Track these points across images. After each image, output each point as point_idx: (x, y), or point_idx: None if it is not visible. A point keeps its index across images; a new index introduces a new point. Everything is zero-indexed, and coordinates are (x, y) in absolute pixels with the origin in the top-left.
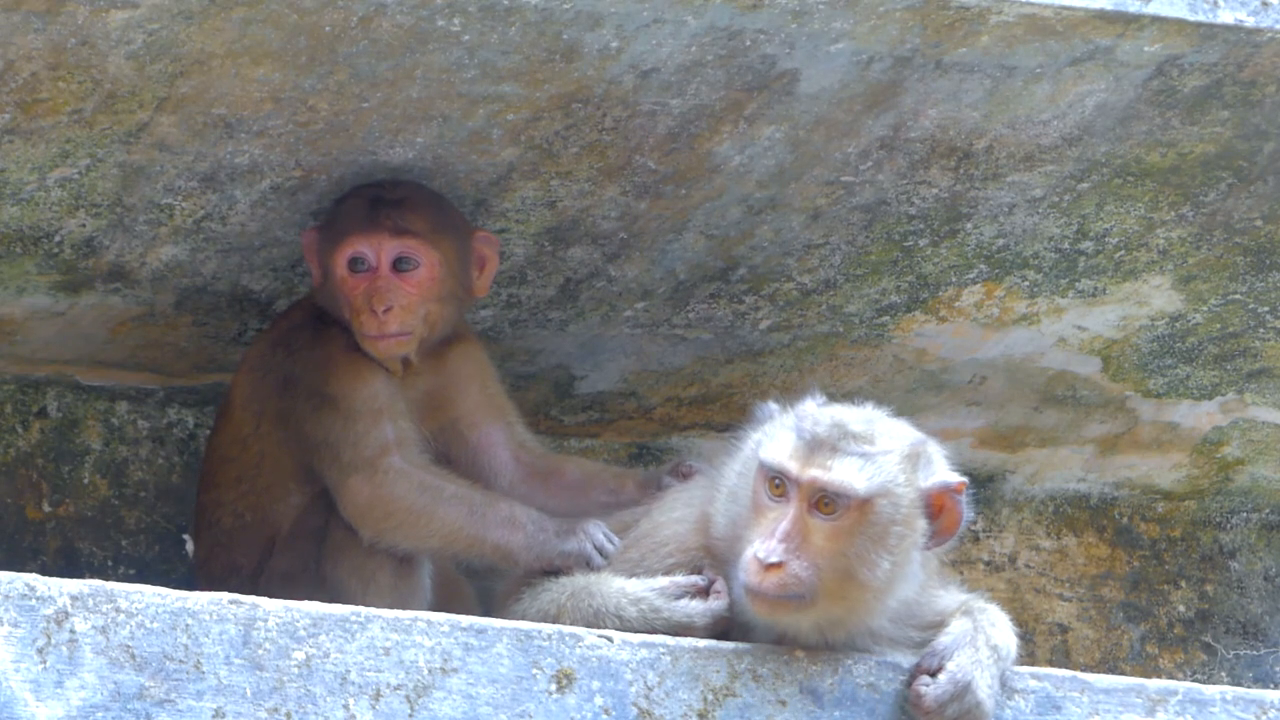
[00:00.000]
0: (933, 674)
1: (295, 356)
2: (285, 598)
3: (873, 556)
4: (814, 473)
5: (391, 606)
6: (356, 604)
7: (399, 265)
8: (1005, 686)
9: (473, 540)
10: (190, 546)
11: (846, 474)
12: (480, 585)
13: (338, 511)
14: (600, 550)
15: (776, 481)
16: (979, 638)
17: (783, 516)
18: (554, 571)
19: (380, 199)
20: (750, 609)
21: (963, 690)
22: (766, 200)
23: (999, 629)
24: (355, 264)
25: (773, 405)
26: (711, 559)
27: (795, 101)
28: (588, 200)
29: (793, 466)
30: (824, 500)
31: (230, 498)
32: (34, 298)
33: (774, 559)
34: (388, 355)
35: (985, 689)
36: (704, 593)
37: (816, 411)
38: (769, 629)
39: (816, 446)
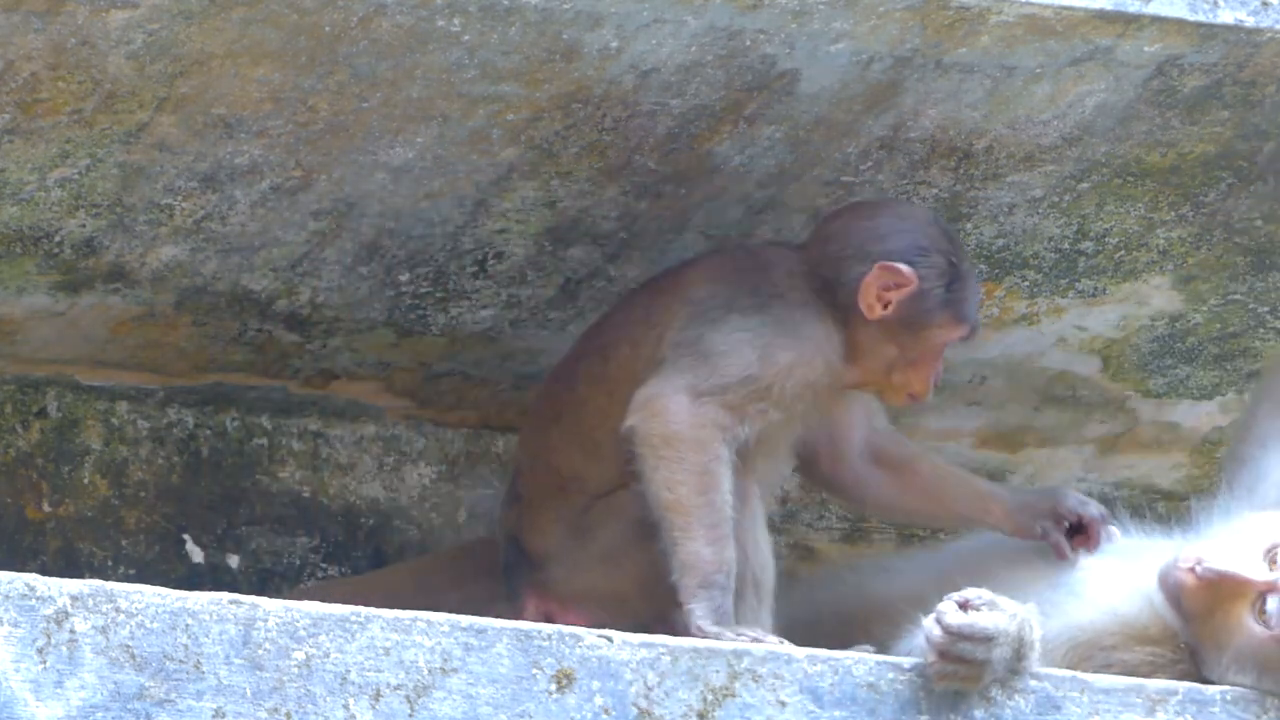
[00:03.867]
0: (962, 608)
1: (765, 312)
2: (610, 532)
3: None
4: None
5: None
6: None
7: None
8: (1006, 686)
9: (682, 529)
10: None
11: None
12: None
13: None
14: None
15: None
16: (1015, 621)
17: None
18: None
19: (979, 290)
20: None
21: (980, 638)
22: (766, 200)
23: (1035, 630)
24: (947, 344)
25: None
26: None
27: (795, 101)
28: (588, 200)
29: None
30: None
31: (620, 414)
32: (34, 298)
33: None
34: (898, 405)
35: (999, 655)
36: None
37: None
38: None
39: None
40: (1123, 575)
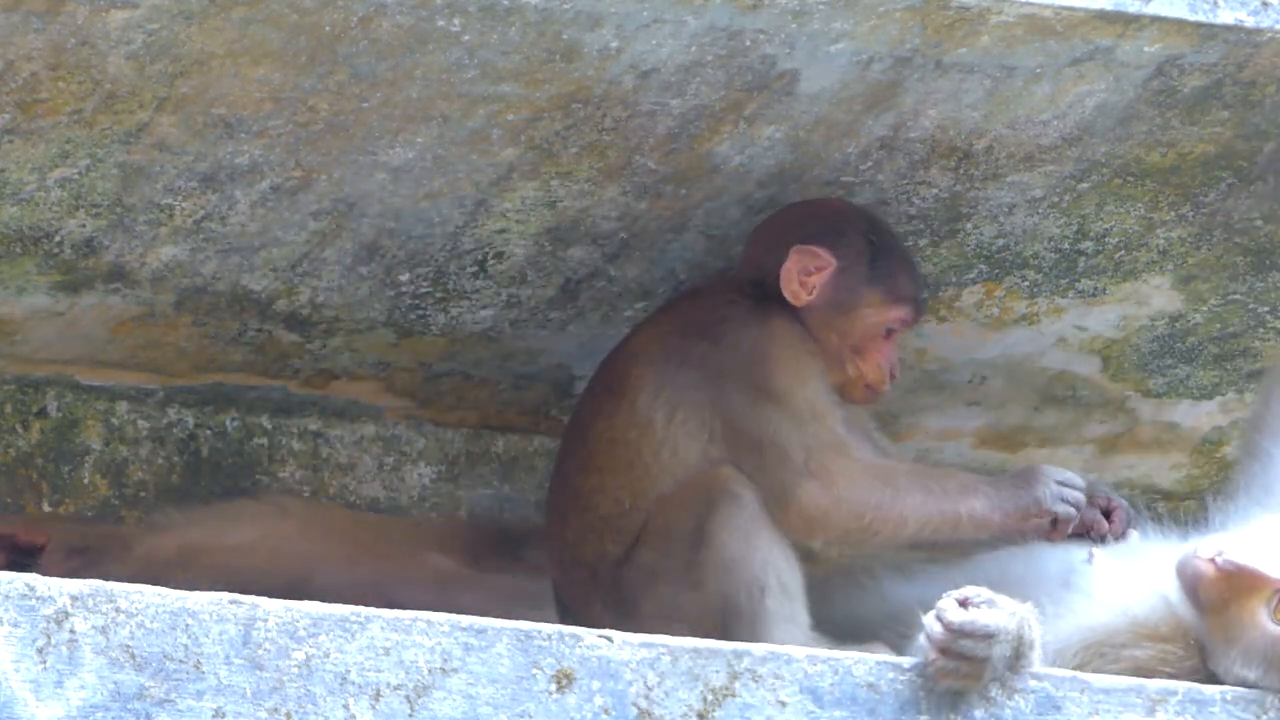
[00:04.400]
0: (962, 605)
1: (721, 347)
2: (646, 591)
3: None
4: None
5: (768, 621)
6: (730, 615)
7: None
8: (1006, 686)
9: (944, 519)
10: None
11: None
12: None
13: (716, 512)
14: (1067, 483)
15: None
16: (1015, 619)
17: None
18: (1024, 531)
19: (917, 271)
20: None
21: (981, 635)
22: (766, 200)
23: (1036, 629)
24: (890, 330)
25: None
26: None
27: (795, 101)
28: (588, 200)
29: None
30: None
31: (614, 484)
32: (34, 298)
33: None
34: (862, 402)
35: (999, 653)
36: None
37: None
38: None
39: None
40: (1134, 576)
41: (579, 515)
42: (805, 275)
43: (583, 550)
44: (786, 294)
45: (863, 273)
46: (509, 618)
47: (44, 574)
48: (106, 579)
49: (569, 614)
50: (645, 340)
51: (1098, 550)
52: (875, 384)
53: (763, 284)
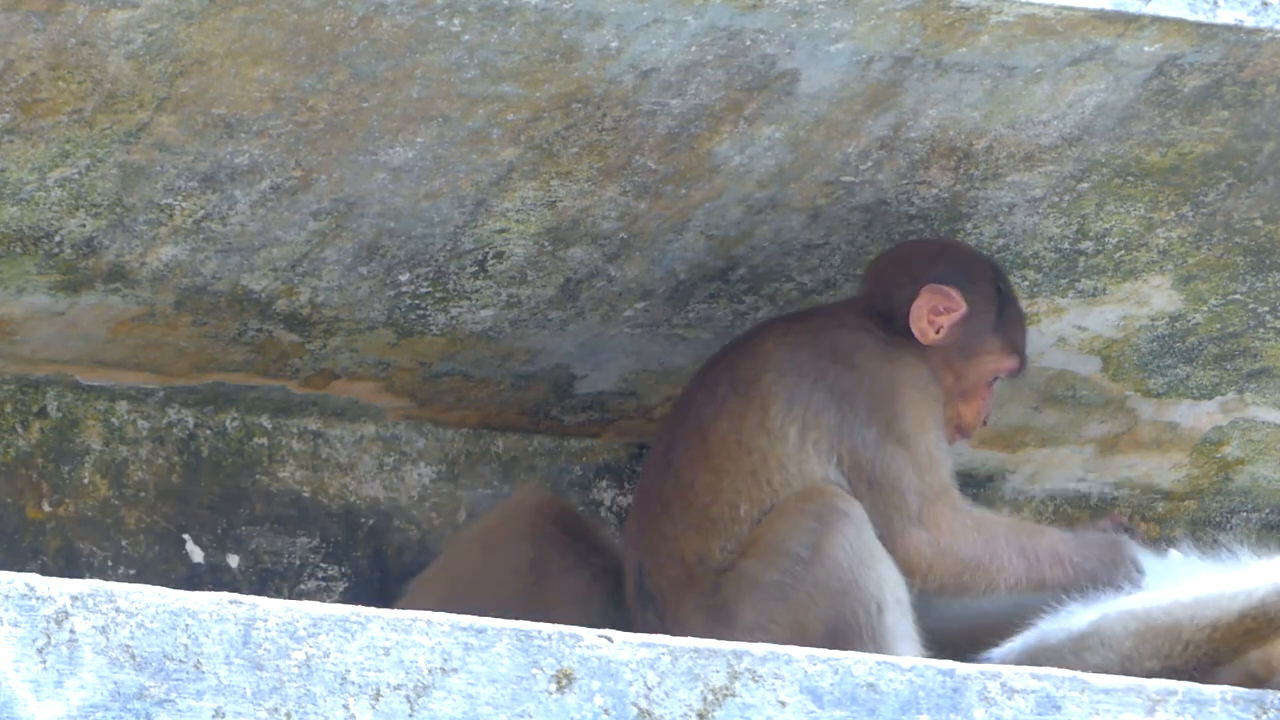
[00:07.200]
0: None
1: (855, 376)
2: (749, 601)
3: None
4: None
5: (887, 637)
6: (849, 632)
7: None
8: (1005, 686)
9: (1029, 585)
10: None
11: None
12: None
13: (829, 530)
14: (1141, 569)
15: None
16: None
17: None
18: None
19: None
20: None
21: None
22: (766, 200)
23: None
24: (995, 378)
25: None
26: None
27: (795, 101)
28: (588, 200)
29: None
30: None
31: (732, 487)
32: (34, 298)
33: None
34: (949, 444)
35: None
36: None
37: None
38: None
39: None
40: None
41: (685, 509)
42: (935, 315)
43: (683, 546)
44: (914, 331)
45: (990, 320)
46: None
47: None
48: None
49: (652, 601)
50: (773, 347)
51: (1175, 552)
52: (967, 428)
53: (891, 317)
